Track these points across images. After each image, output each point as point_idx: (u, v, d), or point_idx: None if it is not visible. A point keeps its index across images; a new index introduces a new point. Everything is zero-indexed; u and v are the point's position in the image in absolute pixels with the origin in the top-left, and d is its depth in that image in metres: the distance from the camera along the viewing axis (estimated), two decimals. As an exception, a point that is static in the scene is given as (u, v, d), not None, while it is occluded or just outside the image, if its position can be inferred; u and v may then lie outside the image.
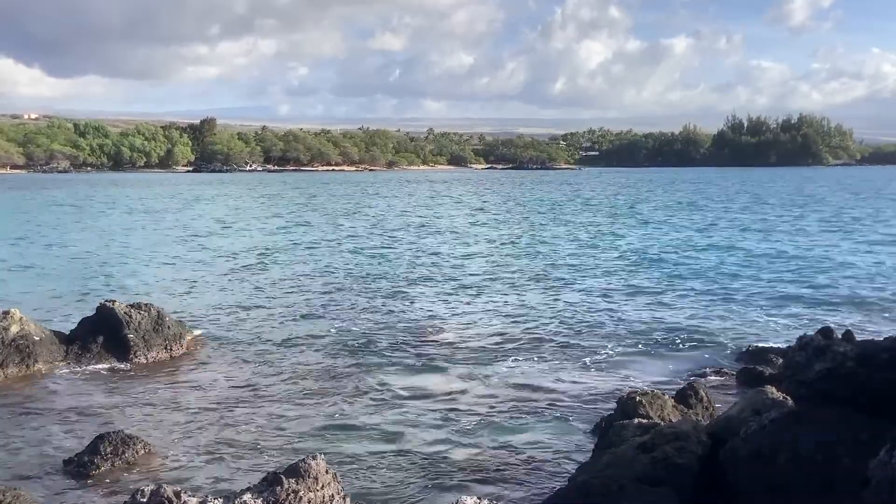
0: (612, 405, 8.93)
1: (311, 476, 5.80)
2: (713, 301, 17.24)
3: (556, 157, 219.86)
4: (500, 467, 8.04)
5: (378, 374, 11.48)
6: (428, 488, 7.57)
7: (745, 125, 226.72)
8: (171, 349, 12.67)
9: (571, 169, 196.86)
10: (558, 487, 6.79)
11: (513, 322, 15.13)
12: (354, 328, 14.55)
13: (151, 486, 5.58)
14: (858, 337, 6.96)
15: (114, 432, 8.20)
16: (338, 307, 16.70)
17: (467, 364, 12.04)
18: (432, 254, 26.50)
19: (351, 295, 18.22)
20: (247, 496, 5.55)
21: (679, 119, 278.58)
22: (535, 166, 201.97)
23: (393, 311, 16.15)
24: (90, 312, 13.06)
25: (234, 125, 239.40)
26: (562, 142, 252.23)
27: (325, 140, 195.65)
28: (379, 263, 23.95)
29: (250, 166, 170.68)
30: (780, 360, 10.95)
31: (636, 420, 7.44)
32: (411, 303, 17.21)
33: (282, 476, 5.75)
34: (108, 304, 12.85)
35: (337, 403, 10.13)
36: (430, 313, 16.01)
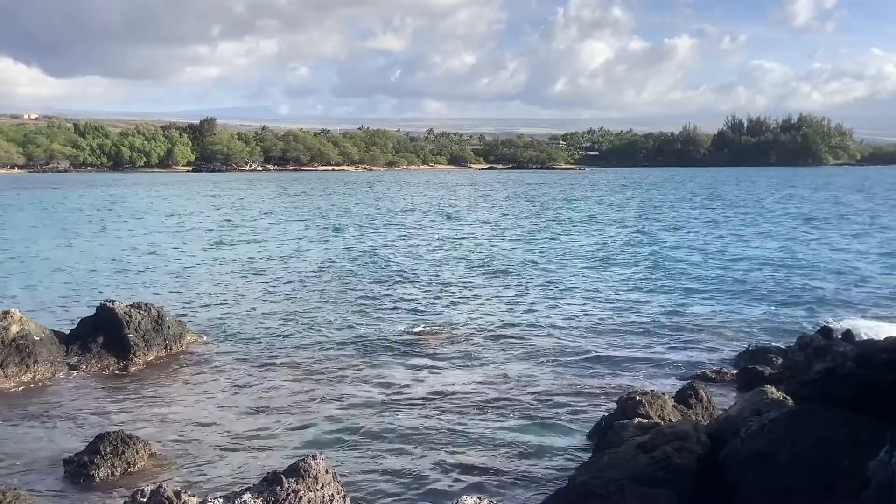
0: (612, 405, 8.94)
1: (311, 476, 5.80)
2: (713, 301, 17.25)
3: (556, 157, 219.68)
4: (500, 467, 8.05)
5: (377, 374, 11.49)
6: (428, 488, 7.57)
7: (745, 125, 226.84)
8: (170, 349, 12.69)
9: (572, 169, 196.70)
10: (558, 487, 6.79)
11: (511, 322, 15.12)
12: (352, 328, 14.55)
13: (151, 486, 5.58)
14: (857, 337, 6.96)
15: (114, 432, 8.20)
16: (335, 307, 16.69)
17: (466, 364, 12.05)
18: (430, 253, 26.50)
19: (348, 295, 18.21)
20: (247, 496, 5.56)
21: (679, 119, 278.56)
22: (535, 166, 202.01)
23: (391, 311, 16.15)
24: (90, 312, 13.06)
25: (233, 125, 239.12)
26: (562, 142, 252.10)
27: (324, 140, 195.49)
28: (375, 263, 23.93)
29: (250, 166, 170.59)
30: (780, 360, 10.96)
31: (636, 420, 7.45)
32: (409, 302, 17.19)
33: (282, 476, 5.75)
34: (108, 303, 12.83)
35: (336, 403, 10.13)
36: (428, 313, 16.01)
